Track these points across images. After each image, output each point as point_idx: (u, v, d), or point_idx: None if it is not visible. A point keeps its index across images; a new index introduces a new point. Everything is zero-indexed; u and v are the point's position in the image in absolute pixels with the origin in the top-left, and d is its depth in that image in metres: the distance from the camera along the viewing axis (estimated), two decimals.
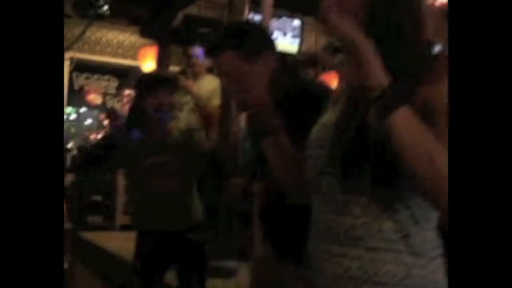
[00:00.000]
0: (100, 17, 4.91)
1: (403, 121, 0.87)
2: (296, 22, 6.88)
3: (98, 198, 6.24)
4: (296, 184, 1.21)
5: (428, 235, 0.98)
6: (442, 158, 0.84)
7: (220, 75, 2.57)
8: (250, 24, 1.86)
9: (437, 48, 1.01)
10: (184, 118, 3.99)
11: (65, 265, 1.73)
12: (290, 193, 1.29)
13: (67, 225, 2.03)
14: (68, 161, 6.94)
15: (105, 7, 4.70)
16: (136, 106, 2.40)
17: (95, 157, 2.47)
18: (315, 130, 1.11)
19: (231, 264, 3.57)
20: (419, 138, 0.87)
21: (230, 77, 1.53)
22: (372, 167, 0.94)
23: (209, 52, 1.63)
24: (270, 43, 1.63)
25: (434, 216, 0.99)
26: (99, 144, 2.64)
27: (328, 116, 1.10)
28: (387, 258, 0.96)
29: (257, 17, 5.03)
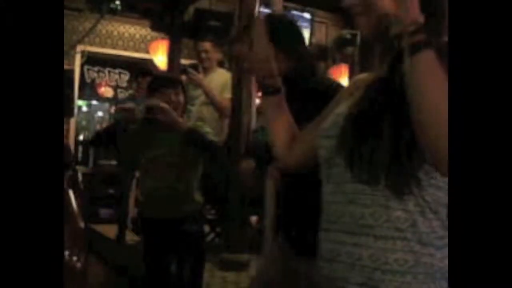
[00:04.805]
0: (112, 12, 4.93)
1: (430, 61, 0.89)
2: (307, 15, 6.87)
3: (109, 190, 6.28)
4: (288, 151, 1.27)
5: (433, 225, 0.99)
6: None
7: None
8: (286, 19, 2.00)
9: None
10: (196, 111, 4.02)
11: (81, 260, 1.75)
12: (281, 159, 1.32)
13: (81, 222, 2.07)
14: (79, 153, 7.00)
15: (117, 2, 4.72)
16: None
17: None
18: (329, 121, 1.13)
19: (243, 257, 3.60)
20: (441, 81, 0.88)
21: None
22: (381, 156, 0.96)
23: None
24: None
25: (439, 207, 1.00)
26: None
27: (343, 107, 1.11)
28: (396, 246, 0.98)
29: (267, 11, 5.02)
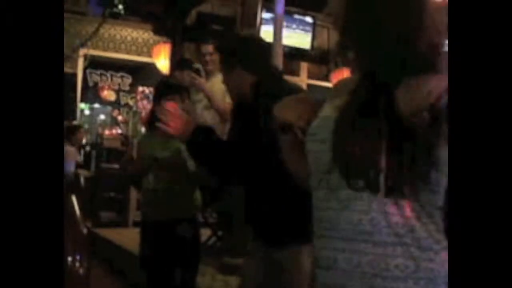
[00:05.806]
0: (115, 16, 4.94)
1: None
2: (308, 19, 6.87)
3: (111, 194, 6.28)
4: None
5: (430, 229, 0.99)
6: None
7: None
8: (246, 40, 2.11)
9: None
10: (198, 115, 4.02)
11: (84, 265, 1.75)
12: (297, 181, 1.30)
13: (84, 227, 2.07)
14: (81, 156, 7.00)
15: (120, 6, 4.74)
16: (154, 111, 2.72)
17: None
18: (315, 124, 1.11)
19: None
20: None
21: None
22: (377, 161, 0.95)
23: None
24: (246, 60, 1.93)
25: (435, 211, 1.00)
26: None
27: (328, 110, 1.09)
28: (396, 252, 0.97)
29: (269, 15, 5.02)
